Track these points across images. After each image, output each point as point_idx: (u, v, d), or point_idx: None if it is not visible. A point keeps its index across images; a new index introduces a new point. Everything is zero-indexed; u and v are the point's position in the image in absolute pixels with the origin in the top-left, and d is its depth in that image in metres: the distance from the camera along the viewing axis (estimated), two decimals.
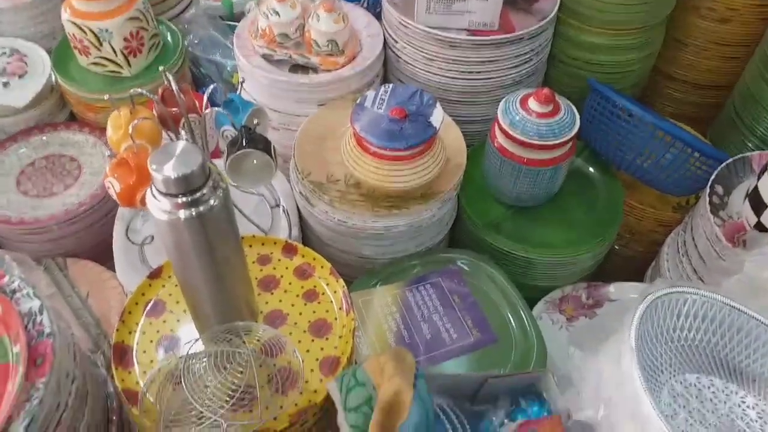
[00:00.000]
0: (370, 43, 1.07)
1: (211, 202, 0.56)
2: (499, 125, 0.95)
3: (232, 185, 0.83)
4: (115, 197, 0.77)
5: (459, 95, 1.05)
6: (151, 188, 0.56)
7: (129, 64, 1.14)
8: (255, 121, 0.80)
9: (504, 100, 0.96)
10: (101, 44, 1.10)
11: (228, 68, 1.29)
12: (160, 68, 0.83)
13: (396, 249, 0.94)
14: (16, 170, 1.10)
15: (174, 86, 0.80)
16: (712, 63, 1.24)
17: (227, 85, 1.29)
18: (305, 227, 0.99)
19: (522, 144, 0.93)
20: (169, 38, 1.23)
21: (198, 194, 0.55)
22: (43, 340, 0.55)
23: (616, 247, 1.17)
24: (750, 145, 1.16)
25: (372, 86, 1.07)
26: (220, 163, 0.83)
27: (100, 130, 1.18)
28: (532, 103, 0.93)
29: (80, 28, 1.09)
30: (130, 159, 0.75)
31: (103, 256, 0.99)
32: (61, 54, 1.17)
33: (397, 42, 1.05)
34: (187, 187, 0.54)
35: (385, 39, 1.08)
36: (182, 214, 0.55)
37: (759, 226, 0.83)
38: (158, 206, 0.55)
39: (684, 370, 0.61)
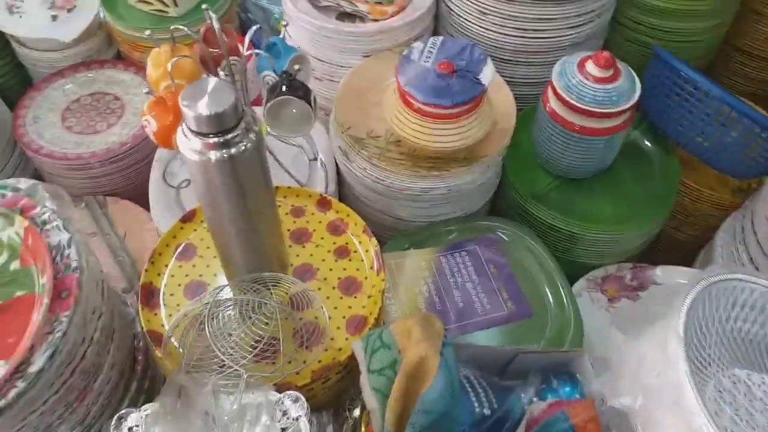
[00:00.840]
0: None
1: (243, 145, 0.53)
2: (553, 88, 0.89)
3: (270, 133, 0.80)
4: (151, 136, 0.75)
5: (512, 54, 0.99)
6: (182, 126, 0.53)
7: (176, 4, 1.12)
8: (296, 68, 0.76)
9: (561, 61, 0.90)
10: None
11: (275, 14, 1.25)
12: (204, 6, 0.80)
13: (434, 212, 0.90)
14: (63, 106, 1.10)
15: (216, 25, 0.77)
16: None
17: (273, 32, 1.26)
18: (342, 183, 0.96)
19: (576, 110, 0.87)
20: None
21: (230, 135, 0.52)
22: (70, 273, 0.54)
23: (668, 228, 1.11)
24: None
25: (421, 40, 1.02)
26: (261, 111, 0.80)
27: (145, 69, 1.16)
28: (591, 67, 0.87)
29: None
30: (168, 98, 0.73)
31: (143, 198, 0.98)
32: None
33: None
34: (219, 126, 0.51)
35: None
36: (213, 155, 0.52)
37: None
38: (189, 145, 0.53)
39: (734, 364, 0.56)
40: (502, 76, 0.98)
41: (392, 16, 0.99)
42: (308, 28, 0.97)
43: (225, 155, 0.52)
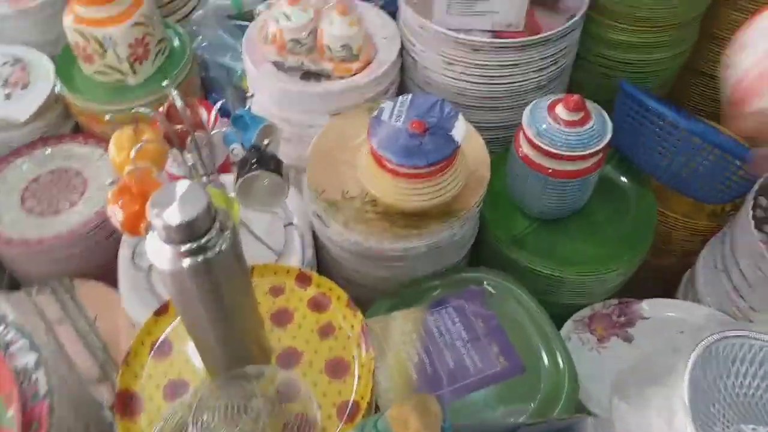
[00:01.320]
0: (386, 47, 1.01)
1: (219, 246, 0.51)
2: (525, 133, 0.89)
3: (242, 207, 0.78)
4: (118, 227, 0.72)
5: (479, 101, 0.99)
6: (151, 233, 0.51)
7: (134, 72, 1.09)
8: (265, 141, 0.74)
9: (530, 106, 0.90)
10: (105, 52, 1.05)
11: (238, 72, 1.24)
12: (165, 83, 0.78)
13: (415, 270, 0.88)
14: (21, 186, 1.06)
15: (179, 103, 0.75)
16: None
17: (237, 90, 1.24)
18: (320, 247, 0.93)
19: (548, 154, 0.87)
20: (176, 42, 1.18)
21: (204, 240, 0.50)
22: (39, 402, 0.50)
23: (647, 256, 1.11)
24: None
25: (388, 93, 1.01)
26: (228, 179, 0.78)
27: (106, 141, 1.12)
28: (561, 111, 0.87)
29: (83, 35, 1.04)
30: (133, 185, 0.71)
31: (112, 276, 0.95)
32: (65, 62, 1.12)
33: (414, 45, 0.99)
34: (192, 234, 0.49)
35: (402, 42, 1.01)
36: (186, 262, 0.50)
37: None
38: (159, 255, 0.50)
39: (739, 419, 0.55)
40: (471, 122, 0.97)
41: (357, 73, 0.97)
42: (273, 90, 0.95)
43: (199, 260, 0.50)
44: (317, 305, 0.71)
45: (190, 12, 1.29)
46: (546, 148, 0.87)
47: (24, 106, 1.08)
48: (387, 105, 0.83)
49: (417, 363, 0.79)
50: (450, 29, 0.92)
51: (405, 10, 0.98)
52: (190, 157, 0.74)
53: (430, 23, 0.93)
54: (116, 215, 0.71)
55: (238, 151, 0.79)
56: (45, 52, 1.17)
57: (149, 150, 0.74)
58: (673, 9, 1.00)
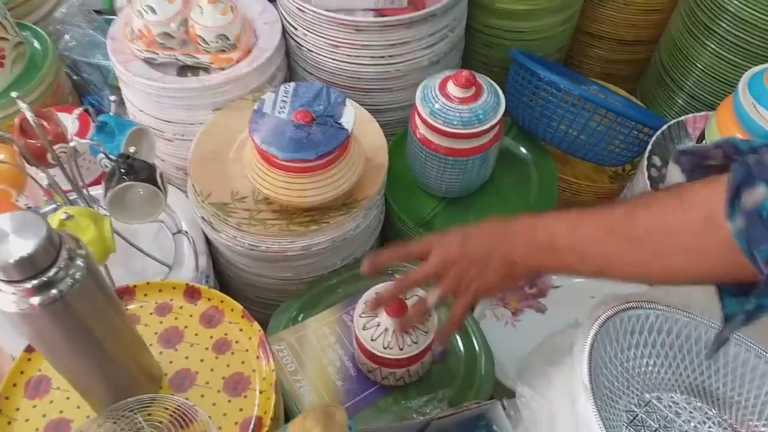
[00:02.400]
0: (268, 33, 0.96)
1: (70, 277, 0.45)
2: (419, 115, 0.87)
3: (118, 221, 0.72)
4: None
5: (372, 83, 0.96)
6: None
7: None
8: (132, 150, 0.68)
9: (422, 86, 0.88)
10: None
11: (113, 71, 1.15)
12: (13, 94, 0.70)
13: (321, 266, 0.86)
14: None
15: (29, 116, 0.68)
16: (635, 17, 1.19)
17: (114, 91, 1.15)
18: (215, 252, 0.89)
19: (445, 134, 0.86)
20: (36, 45, 1.08)
21: (51, 273, 0.45)
22: None
23: None
24: (679, 101, 1.12)
25: (275, 81, 0.97)
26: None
27: None
28: (452, 88, 0.85)
29: None
30: None
31: None
32: None
33: (296, 29, 0.95)
34: (34, 268, 0.44)
35: (283, 26, 0.97)
36: (36, 300, 0.44)
37: None
38: (3, 296, 0.44)
39: (643, 390, 0.55)
40: (366, 105, 0.95)
41: (238, 62, 0.92)
42: (147, 90, 0.89)
43: (51, 296, 0.45)
44: (210, 320, 0.67)
45: (52, 10, 1.18)
46: (441, 127, 0.85)
47: None
48: (268, 96, 0.79)
49: (340, 368, 0.76)
50: (330, 10, 0.89)
51: None
52: (44, 176, 0.67)
53: (308, 5, 0.89)
54: None
55: (105, 161, 0.73)
56: None
57: (4, 171, 0.67)
58: None
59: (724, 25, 0.98)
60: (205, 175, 0.84)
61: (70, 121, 0.87)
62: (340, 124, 0.77)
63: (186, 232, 0.86)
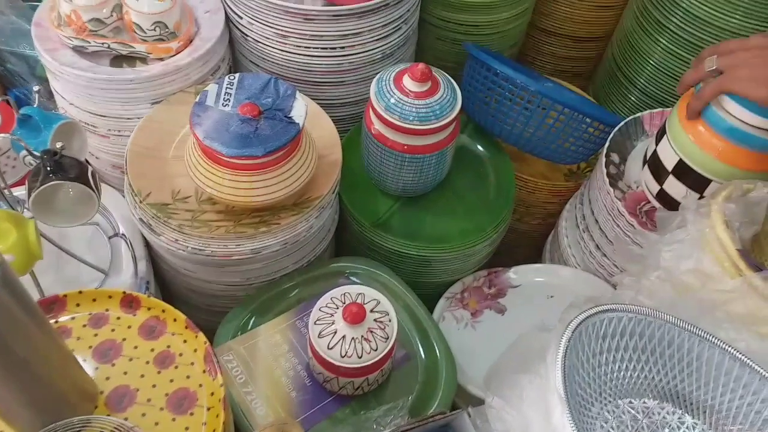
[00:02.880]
0: (210, 21, 0.90)
1: None
2: (374, 110, 0.83)
3: (45, 224, 0.65)
4: None
5: (323, 75, 0.92)
6: None
7: None
8: (59, 145, 0.62)
9: (376, 79, 0.84)
10: None
11: (41, 62, 1.07)
12: None
13: (272, 269, 0.81)
14: None
15: None
16: (588, 14, 1.19)
17: (43, 83, 1.07)
18: (156, 257, 0.83)
19: (401, 130, 0.82)
20: None
21: None
22: None
23: (511, 221, 1.11)
24: (632, 98, 1.13)
25: (218, 73, 0.91)
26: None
27: None
28: (408, 82, 0.82)
29: None
30: None
31: None
32: None
33: (241, 18, 0.89)
34: None
35: (226, 15, 0.91)
36: None
37: (661, 195, 0.78)
38: None
39: (616, 395, 0.53)
40: (318, 101, 0.91)
41: (178, 53, 0.86)
42: (77, 82, 0.82)
43: None
44: (150, 332, 0.61)
45: None
46: (398, 123, 0.82)
47: None
48: (212, 88, 0.74)
49: (293, 378, 0.72)
50: None
51: None
52: None
53: None
54: None
55: (29, 158, 0.66)
56: None
57: None
58: None
59: (675, 20, 0.98)
60: (143, 173, 0.77)
61: None
62: (290, 118, 0.72)
63: (123, 234, 0.80)
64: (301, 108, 0.73)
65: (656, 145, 0.79)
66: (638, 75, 1.09)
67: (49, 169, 0.62)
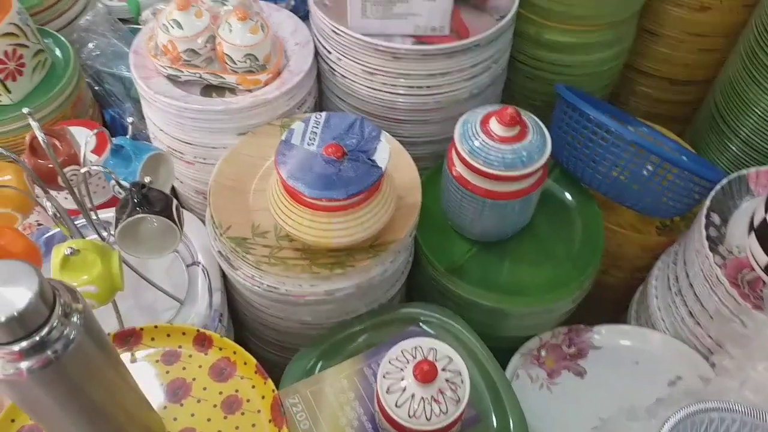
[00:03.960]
0: (299, 54, 0.91)
1: (65, 337, 0.40)
2: (457, 152, 0.81)
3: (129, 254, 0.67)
4: None
5: (408, 113, 0.91)
6: None
7: (8, 90, 0.96)
8: (147, 179, 0.63)
9: (461, 121, 0.82)
10: None
11: (137, 87, 1.11)
12: (24, 110, 0.65)
13: (343, 311, 0.80)
14: None
15: (40, 135, 0.63)
16: (689, 56, 1.12)
17: (136, 104, 1.11)
18: (230, 287, 0.83)
19: (484, 175, 0.79)
20: (58, 53, 1.05)
21: (43, 332, 0.39)
22: None
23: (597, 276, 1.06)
24: (733, 148, 1.06)
25: (305, 107, 0.91)
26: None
27: None
28: (495, 126, 0.79)
29: None
30: None
31: None
32: None
33: (330, 53, 0.89)
34: (24, 329, 0.38)
35: (316, 48, 0.92)
36: (25, 365, 0.39)
37: None
38: None
39: None
40: (400, 137, 0.90)
41: (266, 84, 0.87)
42: (168, 109, 0.84)
43: (42, 360, 0.39)
44: (220, 373, 0.61)
45: (75, 18, 1.15)
46: (481, 168, 0.79)
47: None
48: (298, 126, 0.74)
49: (358, 428, 0.70)
50: (366, 34, 0.83)
51: (315, 13, 0.88)
52: (50, 205, 0.62)
53: (344, 28, 0.84)
54: None
55: (119, 188, 0.68)
56: None
57: (5, 196, 0.62)
58: (605, 7, 0.95)
59: None
60: (225, 205, 0.78)
61: (84, 138, 0.83)
62: (373, 161, 0.71)
63: (201, 264, 0.81)
64: (385, 151, 0.72)
65: (766, 212, 0.73)
66: (742, 124, 1.03)
67: (136, 201, 0.63)
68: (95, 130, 0.68)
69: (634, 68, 1.18)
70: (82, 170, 0.64)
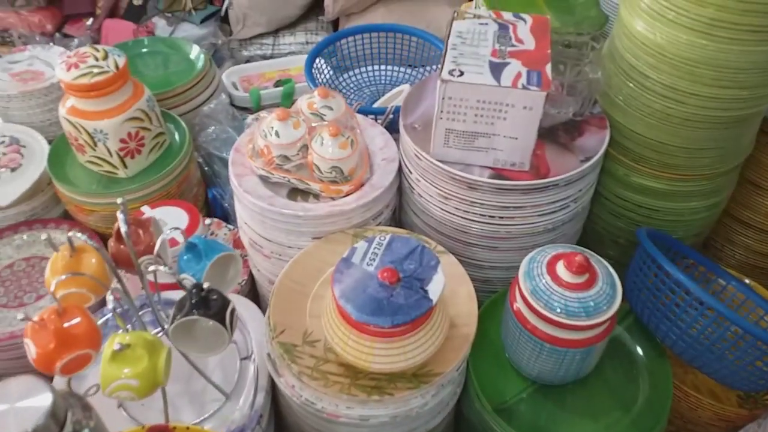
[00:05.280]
0: (384, 169, 0.91)
1: None
2: (520, 289, 0.77)
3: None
4: (31, 362, 0.63)
5: (478, 239, 0.88)
6: None
7: (125, 166, 1.04)
8: (206, 285, 0.64)
9: (528, 259, 0.78)
10: (96, 144, 1.00)
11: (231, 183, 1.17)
12: (119, 200, 0.70)
13: None
14: None
15: (123, 228, 0.67)
16: None
17: None
18: (275, 391, 0.82)
19: (545, 319, 0.74)
20: (177, 137, 1.13)
21: None
22: None
23: None
24: None
25: (380, 218, 0.91)
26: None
27: (92, 231, 1.07)
28: (561, 270, 0.74)
29: (75, 126, 0.99)
30: (51, 321, 0.62)
31: None
32: (60, 148, 1.08)
33: (411, 172, 0.89)
34: None
35: (400, 165, 0.92)
36: None
37: None
38: None
39: None
40: (469, 259, 0.88)
41: (348, 194, 0.88)
42: (253, 208, 0.87)
43: None
44: None
45: (201, 104, 1.24)
46: (541, 310, 0.74)
47: (9, 190, 1.04)
48: (361, 246, 0.73)
49: None
50: (447, 161, 0.83)
51: (403, 135, 0.89)
52: (112, 299, 0.64)
53: (425, 154, 0.84)
54: (29, 350, 0.62)
55: (188, 282, 0.70)
56: (49, 134, 1.14)
57: (83, 278, 0.65)
58: (704, 159, 0.88)
59: None
60: (284, 307, 0.78)
61: (172, 222, 0.88)
62: (426, 291, 0.69)
63: (255, 360, 0.80)
64: (440, 283, 0.70)
65: None
66: None
67: (193, 302, 0.64)
68: (169, 230, 0.70)
69: (733, 216, 1.08)
70: (150, 268, 0.66)
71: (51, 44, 1.29)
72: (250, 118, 0.92)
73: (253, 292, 1.05)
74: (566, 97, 0.90)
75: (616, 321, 0.79)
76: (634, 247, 0.89)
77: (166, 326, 0.71)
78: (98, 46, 0.98)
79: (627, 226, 0.98)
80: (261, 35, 1.59)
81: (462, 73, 0.78)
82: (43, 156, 1.08)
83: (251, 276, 1.03)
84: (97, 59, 0.96)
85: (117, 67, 0.96)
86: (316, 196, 0.91)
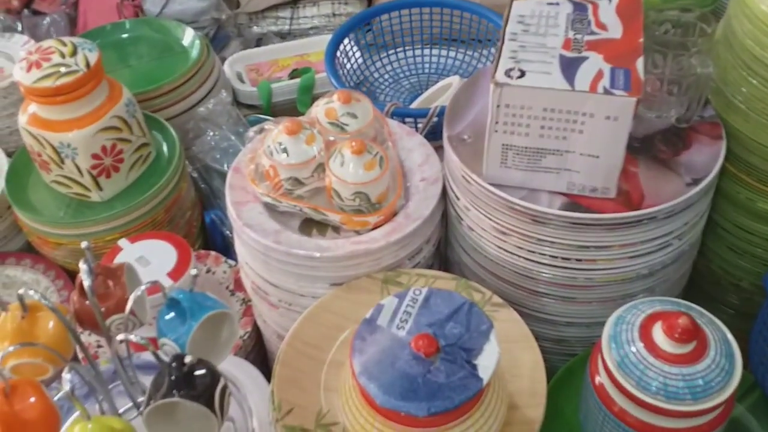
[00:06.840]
0: (423, 193, 0.90)
1: None
2: (603, 359, 0.74)
3: None
4: None
5: (548, 287, 0.86)
6: None
7: (99, 187, 1.06)
8: (188, 359, 0.64)
9: (614, 317, 0.75)
10: (62, 161, 1.02)
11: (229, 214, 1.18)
12: (83, 245, 0.71)
13: None
14: None
15: (87, 282, 0.67)
16: None
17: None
18: None
19: (637, 401, 0.71)
20: (164, 149, 1.14)
21: None
22: None
23: None
24: None
25: (419, 256, 0.90)
26: None
27: (57, 269, 1.09)
28: (659, 336, 0.71)
29: (37, 139, 1.02)
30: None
31: None
32: (20, 165, 1.11)
33: (458, 198, 0.88)
34: None
35: (444, 188, 0.90)
36: None
37: None
38: None
39: None
40: (533, 313, 0.87)
41: (376, 227, 0.87)
42: (255, 246, 0.87)
43: None
44: None
45: (197, 104, 1.25)
46: (632, 390, 0.71)
47: None
48: (389, 302, 0.72)
49: None
50: (504, 186, 0.81)
51: (447, 150, 0.87)
52: (68, 378, 0.64)
53: (475, 176, 0.82)
54: None
55: (169, 349, 0.70)
56: (9, 144, 1.17)
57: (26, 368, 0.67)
58: None
59: None
60: (293, 378, 0.78)
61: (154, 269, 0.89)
62: (474, 366, 0.67)
63: None
64: (493, 355, 0.68)
65: None
66: None
67: (173, 380, 0.64)
68: (145, 284, 0.70)
69: None
70: (119, 338, 0.66)
71: (13, 33, 1.32)
72: (251, 130, 0.92)
73: (258, 348, 1.05)
74: (667, 97, 0.88)
75: (734, 400, 0.76)
76: (762, 294, 0.86)
77: (141, 407, 0.72)
78: (65, 39, 1.00)
79: (752, 266, 0.96)
80: (275, 6, 1.58)
81: (523, 74, 0.76)
82: (0, 174, 1.11)
83: (256, 328, 1.03)
84: (63, 56, 0.98)
85: (88, 65, 0.98)
86: (336, 230, 0.90)
